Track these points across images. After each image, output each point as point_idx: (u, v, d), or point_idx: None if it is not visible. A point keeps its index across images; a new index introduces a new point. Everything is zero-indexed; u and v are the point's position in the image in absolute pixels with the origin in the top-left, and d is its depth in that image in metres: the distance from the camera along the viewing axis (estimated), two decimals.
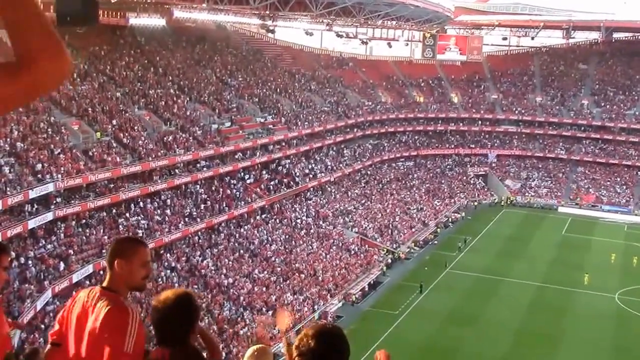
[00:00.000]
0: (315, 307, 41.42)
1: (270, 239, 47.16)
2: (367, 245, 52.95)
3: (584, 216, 66.95)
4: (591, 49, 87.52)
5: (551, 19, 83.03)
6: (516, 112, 79.33)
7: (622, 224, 64.91)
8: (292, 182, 53.84)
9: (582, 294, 46.02)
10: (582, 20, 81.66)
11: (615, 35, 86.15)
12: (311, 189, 56.68)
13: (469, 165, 76.70)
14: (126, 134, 40.99)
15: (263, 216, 49.25)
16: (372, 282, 47.01)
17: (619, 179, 73.94)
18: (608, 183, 73.82)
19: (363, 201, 61.04)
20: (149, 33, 54.10)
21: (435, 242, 57.35)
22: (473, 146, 78.46)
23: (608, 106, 78.74)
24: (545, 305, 43.31)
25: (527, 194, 72.91)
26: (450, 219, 63.96)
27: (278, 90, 62.11)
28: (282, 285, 42.43)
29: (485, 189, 74.46)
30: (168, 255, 38.72)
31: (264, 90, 59.95)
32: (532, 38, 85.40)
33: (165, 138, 43.34)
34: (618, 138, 75.91)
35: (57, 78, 1.55)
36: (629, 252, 55.15)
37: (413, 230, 59.02)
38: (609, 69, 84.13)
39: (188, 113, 47.94)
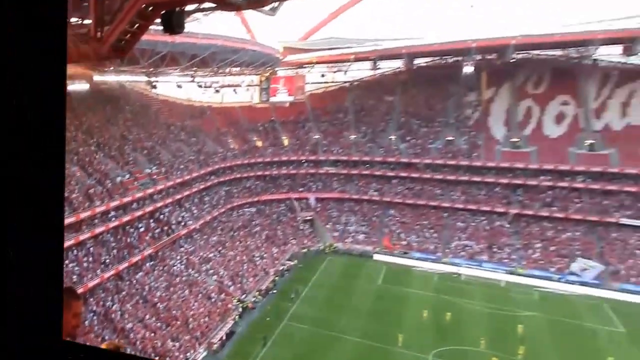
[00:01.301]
0: (188, 354, 45.23)
1: (156, 285, 52.52)
2: (224, 294, 56.74)
3: (397, 264, 64.63)
4: (396, 78, 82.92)
5: (360, 51, 77.42)
6: (334, 152, 77.05)
7: (432, 273, 62.42)
8: (169, 230, 59.88)
9: (397, 354, 44.49)
10: (386, 49, 76.18)
11: (417, 61, 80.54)
12: (183, 236, 61.33)
13: (298, 210, 74.97)
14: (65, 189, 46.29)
15: (151, 263, 55.00)
16: (228, 331, 48.97)
17: (426, 222, 70.19)
18: (417, 227, 69.93)
19: (220, 249, 63.45)
20: (80, 97, 58.09)
21: (275, 291, 58.57)
22: (301, 190, 76.45)
23: (413, 140, 75.99)
24: None
25: (346, 240, 70.13)
26: (285, 267, 64.18)
27: (159, 142, 67.82)
28: (164, 332, 46.43)
29: (312, 235, 73.09)
30: (92, 299, 44.87)
31: (150, 143, 65.53)
32: (345, 72, 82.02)
33: (89, 190, 49.24)
34: (424, 176, 72.46)
35: None
36: (440, 306, 53.13)
37: (257, 278, 60.62)
38: (411, 98, 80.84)
39: (102, 167, 53.48)
